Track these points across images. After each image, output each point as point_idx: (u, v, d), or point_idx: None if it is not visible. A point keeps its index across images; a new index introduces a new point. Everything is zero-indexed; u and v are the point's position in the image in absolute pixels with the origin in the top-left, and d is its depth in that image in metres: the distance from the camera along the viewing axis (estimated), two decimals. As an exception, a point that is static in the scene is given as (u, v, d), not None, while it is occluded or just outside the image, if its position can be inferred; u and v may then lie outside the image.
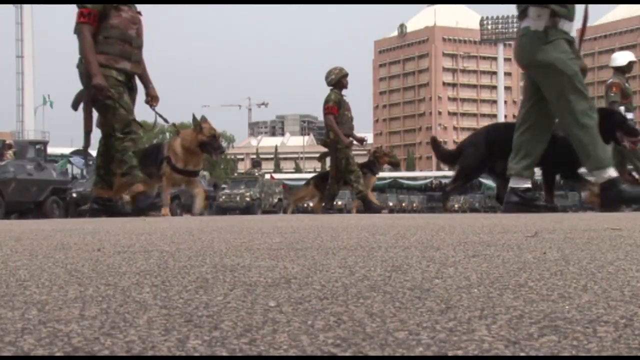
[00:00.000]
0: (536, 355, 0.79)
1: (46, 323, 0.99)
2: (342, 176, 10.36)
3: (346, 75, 10.55)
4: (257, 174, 34.22)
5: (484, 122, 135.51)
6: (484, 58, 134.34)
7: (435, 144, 8.01)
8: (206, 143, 7.52)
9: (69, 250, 2.18)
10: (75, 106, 6.65)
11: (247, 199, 29.23)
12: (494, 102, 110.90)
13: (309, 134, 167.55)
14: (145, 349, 0.83)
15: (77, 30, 6.45)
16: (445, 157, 7.98)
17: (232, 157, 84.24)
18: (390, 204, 32.86)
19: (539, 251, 1.94)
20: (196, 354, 0.81)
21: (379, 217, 5.16)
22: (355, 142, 10.69)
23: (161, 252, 2.06)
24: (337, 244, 2.27)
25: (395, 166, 12.18)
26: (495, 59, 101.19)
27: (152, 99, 7.01)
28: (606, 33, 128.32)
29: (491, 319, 0.98)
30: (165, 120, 7.35)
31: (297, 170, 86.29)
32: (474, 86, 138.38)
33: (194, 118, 7.70)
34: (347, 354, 0.80)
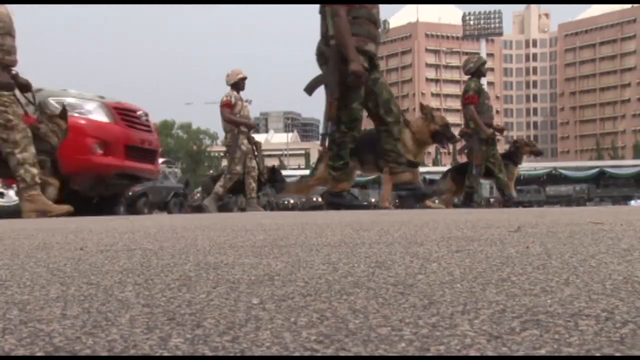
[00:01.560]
0: (517, 350, 0.79)
1: (27, 323, 0.98)
2: (483, 167, 10.02)
3: (485, 63, 10.18)
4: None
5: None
6: (467, 54, 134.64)
7: None
8: (439, 132, 7.06)
9: (51, 249, 2.16)
10: (310, 91, 6.25)
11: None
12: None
13: (292, 131, 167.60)
14: (127, 348, 0.83)
15: (331, 11, 5.99)
16: None
17: (216, 154, 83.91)
18: (373, 200, 32.80)
19: (521, 246, 1.95)
20: (178, 353, 0.81)
21: (363, 213, 5.16)
22: (496, 132, 10.28)
23: (144, 250, 2.05)
24: (321, 240, 2.27)
25: (537, 155, 11.83)
26: (477, 54, 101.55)
27: None
28: (587, 28, 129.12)
29: (474, 313, 0.98)
30: None
31: (281, 167, 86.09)
32: (457, 82, 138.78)
33: (423, 106, 7.17)
34: (329, 351, 0.80)
